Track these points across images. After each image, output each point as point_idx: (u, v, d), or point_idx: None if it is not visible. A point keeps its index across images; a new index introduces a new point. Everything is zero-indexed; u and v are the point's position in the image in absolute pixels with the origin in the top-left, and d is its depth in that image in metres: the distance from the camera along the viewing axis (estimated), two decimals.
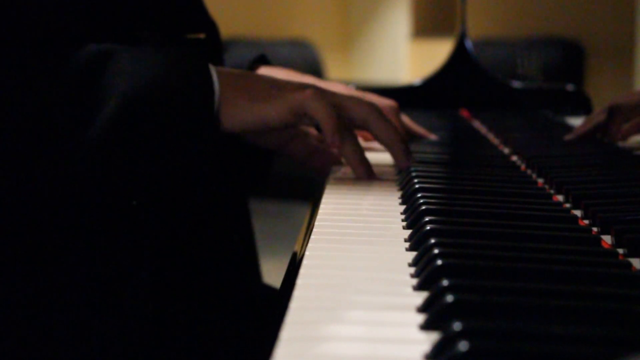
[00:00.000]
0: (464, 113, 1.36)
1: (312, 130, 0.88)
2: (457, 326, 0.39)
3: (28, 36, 0.72)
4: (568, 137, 1.03)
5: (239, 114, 0.74)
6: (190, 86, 0.72)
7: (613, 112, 0.96)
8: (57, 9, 0.73)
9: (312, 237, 0.59)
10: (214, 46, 0.89)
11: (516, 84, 1.38)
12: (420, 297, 0.46)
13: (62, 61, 0.69)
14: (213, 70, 0.73)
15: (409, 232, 0.61)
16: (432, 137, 1.05)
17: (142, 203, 0.75)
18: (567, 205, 0.70)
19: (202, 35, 0.86)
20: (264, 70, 1.00)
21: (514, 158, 0.94)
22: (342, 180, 0.80)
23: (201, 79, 0.72)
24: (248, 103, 0.74)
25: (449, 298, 0.42)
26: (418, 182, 0.73)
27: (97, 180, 0.69)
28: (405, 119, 1.05)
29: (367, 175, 0.78)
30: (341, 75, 5.49)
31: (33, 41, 0.72)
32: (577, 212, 0.67)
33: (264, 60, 1.02)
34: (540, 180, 0.80)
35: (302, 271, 0.51)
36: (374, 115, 0.78)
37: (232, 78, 0.75)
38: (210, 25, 0.88)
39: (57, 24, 0.73)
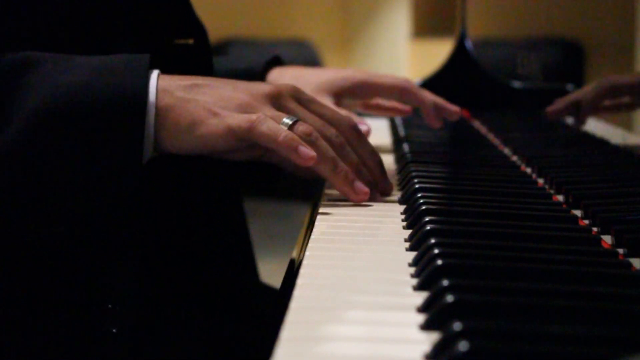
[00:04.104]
0: (464, 113, 1.36)
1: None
2: (457, 326, 0.39)
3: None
4: (550, 108, 1.03)
5: (179, 135, 0.66)
6: (117, 99, 0.63)
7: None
8: (41, 14, 0.70)
9: (312, 237, 0.59)
10: (203, 52, 0.85)
11: (516, 84, 1.38)
12: (420, 297, 0.46)
13: None
14: (153, 81, 0.65)
15: (409, 232, 0.61)
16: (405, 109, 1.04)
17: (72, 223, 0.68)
18: (567, 205, 0.70)
19: (191, 41, 0.82)
20: (275, 73, 0.97)
21: (514, 158, 0.94)
22: None
23: (133, 91, 0.63)
24: (189, 125, 0.66)
25: (449, 298, 0.42)
26: (418, 182, 0.73)
27: (6, 197, 0.63)
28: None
29: (358, 196, 0.69)
30: None
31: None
32: (577, 212, 0.67)
33: (278, 62, 0.98)
34: (540, 180, 0.80)
35: (302, 271, 0.51)
36: (353, 133, 0.73)
37: (178, 90, 0.67)
38: (199, 31, 0.84)
39: (39, 29, 0.70)
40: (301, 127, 0.68)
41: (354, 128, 0.73)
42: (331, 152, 0.69)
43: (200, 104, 0.67)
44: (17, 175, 0.63)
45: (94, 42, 0.73)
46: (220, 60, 0.93)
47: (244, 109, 0.68)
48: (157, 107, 0.65)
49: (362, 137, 0.74)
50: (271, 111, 0.69)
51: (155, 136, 0.66)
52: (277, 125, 0.67)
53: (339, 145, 0.70)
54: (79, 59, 0.66)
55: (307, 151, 0.66)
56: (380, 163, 0.74)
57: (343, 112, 0.83)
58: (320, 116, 0.72)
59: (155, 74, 0.67)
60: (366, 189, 0.70)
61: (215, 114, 0.66)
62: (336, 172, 0.69)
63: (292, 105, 0.71)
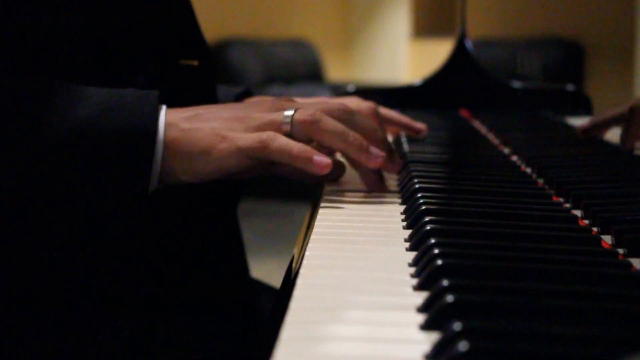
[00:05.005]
0: (464, 113, 1.36)
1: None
2: (457, 326, 0.39)
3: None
4: (582, 126, 1.01)
5: (191, 164, 0.67)
6: (128, 135, 0.64)
7: (635, 111, 0.95)
8: (48, 36, 0.71)
9: (312, 237, 0.59)
10: (207, 73, 0.86)
11: (516, 84, 1.38)
12: (420, 297, 0.46)
13: None
14: (162, 117, 0.67)
15: (409, 232, 0.61)
16: (419, 126, 1.03)
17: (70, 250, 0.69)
18: (567, 205, 0.70)
19: (195, 63, 0.83)
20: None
21: (514, 158, 0.94)
22: (343, 180, 0.80)
23: (143, 128, 0.64)
24: (200, 152, 0.67)
25: (449, 298, 0.42)
26: (418, 182, 0.73)
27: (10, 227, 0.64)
28: (393, 113, 1.04)
29: (377, 159, 0.70)
30: (341, 75, 5.50)
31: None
32: (577, 212, 0.67)
33: (248, 94, 0.99)
34: (540, 180, 0.80)
35: (302, 271, 0.51)
36: (351, 116, 0.73)
37: (183, 122, 0.68)
38: (205, 52, 0.85)
39: (45, 51, 0.71)
40: (304, 111, 0.69)
41: (351, 112, 0.74)
42: (339, 126, 0.69)
43: (206, 131, 0.68)
44: (27, 201, 0.63)
45: (102, 59, 0.73)
46: None
47: (249, 123, 0.69)
48: (164, 142, 0.66)
49: (359, 117, 0.74)
50: (272, 114, 0.70)
51: (163, 169, 0.66)
52: (288, 140, 0.67)
53: (343, 118, 0.71)
54: (91, 90, 0.67)
55: (322, 159, 0.67)
56: (384, 138, 0.75)
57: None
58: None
59: (163, 109, 0.68)
60: (382, 152, 0.71)
61: (223, 138, 0.67)
62: (348, 142, 0.70)
63: (290, 104, 0.72)
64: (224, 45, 4.79)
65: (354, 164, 0.77)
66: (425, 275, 0.48)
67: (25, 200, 0.64)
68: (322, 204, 0.70)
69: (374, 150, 0.71)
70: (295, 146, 0.67)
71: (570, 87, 1.34)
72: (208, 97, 0.86)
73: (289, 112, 0.69)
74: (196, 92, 0.84)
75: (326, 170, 0.68)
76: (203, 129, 0.68)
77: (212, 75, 0.87)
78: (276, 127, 0.69)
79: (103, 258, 0.73)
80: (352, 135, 0.70)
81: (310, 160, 0.67)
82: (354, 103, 0.94)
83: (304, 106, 0.72)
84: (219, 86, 0.95)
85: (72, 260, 0.72)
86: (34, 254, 0.69)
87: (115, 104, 0.65)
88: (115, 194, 0.64)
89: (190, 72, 0.82)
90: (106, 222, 0.65)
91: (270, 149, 0.67)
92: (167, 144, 0.66)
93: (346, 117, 0.71)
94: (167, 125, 0.67)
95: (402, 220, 0.65)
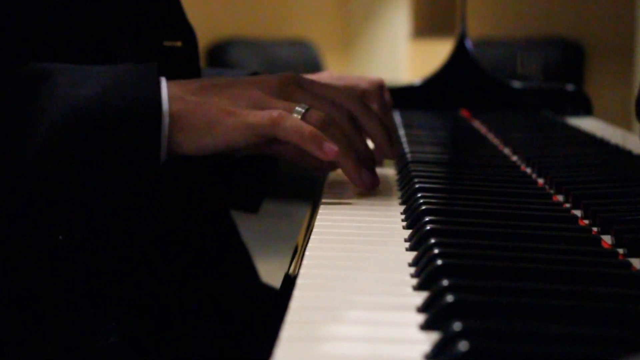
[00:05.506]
0: (464, 113, 1.36)
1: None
2: (457, 326, 0.39)
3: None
4: None
5: (197, 137, 0.67)
6: (133, 110, 0.65)
7: None
8: (31, 16, 0.71)
9: (312, 237, 0.59)
10: (191, 54, 0.85)
11: (516, 84, 1.38)
12: (420, 297, 0.46)
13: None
14: (164, 89, 0.66)
15: (409, 232, 0.61)
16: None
17: (74, 236, 0.69)
18: (567, 205, 0.70)
19: (179, 43, 0.83)
20: None
21: (514, 158, 0.94)
22: (342, 180, 0.80)
23: (147, 101, 0.65)
24: (206, 126, 0.67)
25: (449, 298, 0.42)
26: (418, 182, 0.73)
27: (25, 211, 0.65)
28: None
29: (365, 184, 0.72)
30: None
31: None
32: (577, 212, 0.67)
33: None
34: (540, 180, 0.80)
35: (302, 271, 0.51)
36: (359, 106, 0.75)
37: (189, 94, 0.68)
38: (188, 33, 0.85)
39: (28, 31, 0.71)
40: (314, 115, 0.70)
41: (360, 101, 0.75)
42: (344, 138, 0.71)
43: (214, 105, 0.68)
44: (39, 187, 0.64)
45: (84, 41, 0.73)
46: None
47: (257, 104, 0.69)
48: (170, 114, 0.66)
49: (368, 109, 0.76)
50: (282, 103, 0.70)
51: (169, 142, 0.67)
52: (299, 121, 0.68)
53: (348, 131, 0.72)
54: (90, 69, 0.67)
55: (332, 146, 0.68)
56: (386, 132, 0.76)
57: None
58: (325, 97, 0.73)
59: (163, 81, 0.67)
60: (371, 177, 0.72)
61: (230, 113, 0.68)
62: (348, 156, 0.71)
63: (299, 94, 0.72)
64: (224, 45, 4.79)
65: None
66: (425, 275, 0.48)
67: (35, 184, 0.64)
68: (322, 204, 0.70)
69: (366, 172, 0.72)
70: (307, 128, 0.68)
71: (570, 87, 1.34)
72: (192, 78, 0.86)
73: (301, 109, 0.70)
74: (180, 74, 0.84)
75: (332, 158, 0.69)
76: (210, 102, 0.68)
77: (196, 56, 0.87)
78: None
79: (114, 241, 0.73)
80: (353, 151, 0.71)
81: (320, 145, 0.68)
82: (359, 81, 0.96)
83: (313, 88, 0.72)
84: (224, 70, 0.95)
85: (73, 260, 0.72)
86: (46, 238, 0.69)
87: (117, 81, 0.66)
88: (127, 168, 0.65)
89: (173, 53, 0.82)
90: (120, 197, 0.66)
91: (281, 127, 0.67)
92: (172, 116, 0.66)
93: (348, 134, 0.73)
94: (172, 97, 0.67)
95: (402, 220, 0.65)
